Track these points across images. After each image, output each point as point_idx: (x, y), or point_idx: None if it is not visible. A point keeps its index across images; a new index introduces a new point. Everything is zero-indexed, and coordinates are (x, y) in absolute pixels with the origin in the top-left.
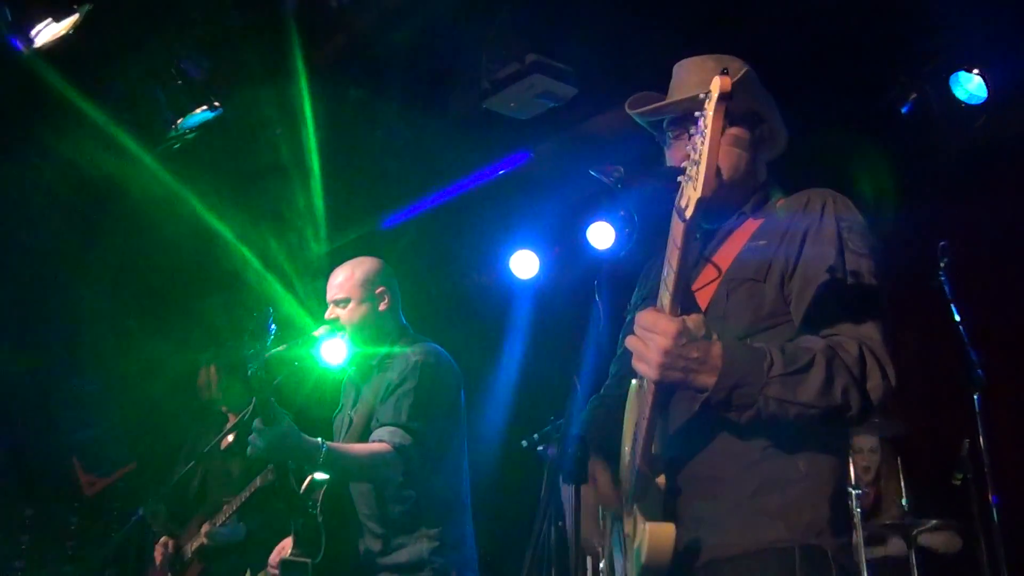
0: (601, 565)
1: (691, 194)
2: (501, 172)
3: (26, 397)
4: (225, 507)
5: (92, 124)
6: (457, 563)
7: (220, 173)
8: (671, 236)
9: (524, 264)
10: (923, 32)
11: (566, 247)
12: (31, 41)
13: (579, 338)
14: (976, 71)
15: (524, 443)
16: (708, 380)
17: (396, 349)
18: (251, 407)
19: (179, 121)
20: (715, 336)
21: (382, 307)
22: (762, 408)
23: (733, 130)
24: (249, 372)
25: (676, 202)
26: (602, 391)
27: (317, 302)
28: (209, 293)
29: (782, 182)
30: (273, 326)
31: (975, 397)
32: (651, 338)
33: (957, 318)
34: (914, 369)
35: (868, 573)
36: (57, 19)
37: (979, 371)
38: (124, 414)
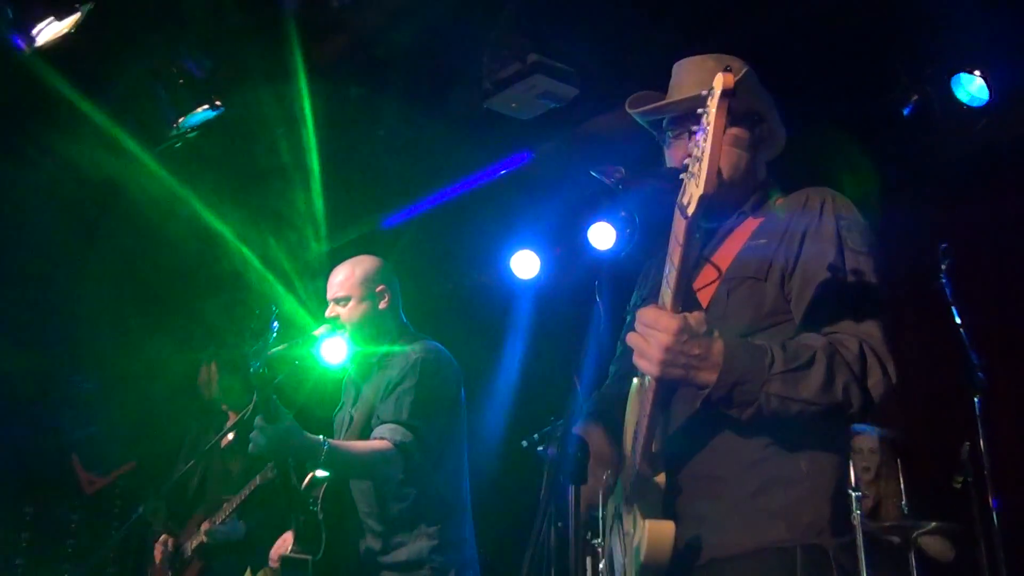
0: (601, 565)
1: (693, 191)
2: (502, 172)
3: (27, 395)
4: (225, 505)
5: (93, 123)
6: (457, 562)
7: (220, 173)
8: (673, 233)
9: (525, 264)
10: (925, 34)
11: (567, 247)
12: (32, 40)
13: (579, 338)
14: (978, 73)
15: (524, 443)
16: (709, 377)
17: (396, 347)
18: (252, 405)
19: (180, 120)
20: (716, 333)
21: (382, 305)
22: (763, 405)
23: (733, 130)
24: (251, 370)
25: (678, 199)
26: (602, 390)
27: (317, 302)
28: (209, 292)
29: (782, 182)
30: (276, 324)
31: (976, 400)
32: (652, 335)
33: (958, 321)
34: (915, 371)
35: (867, 574)
36: (59, 18)
37: (980, 374)
38: (124, 413)
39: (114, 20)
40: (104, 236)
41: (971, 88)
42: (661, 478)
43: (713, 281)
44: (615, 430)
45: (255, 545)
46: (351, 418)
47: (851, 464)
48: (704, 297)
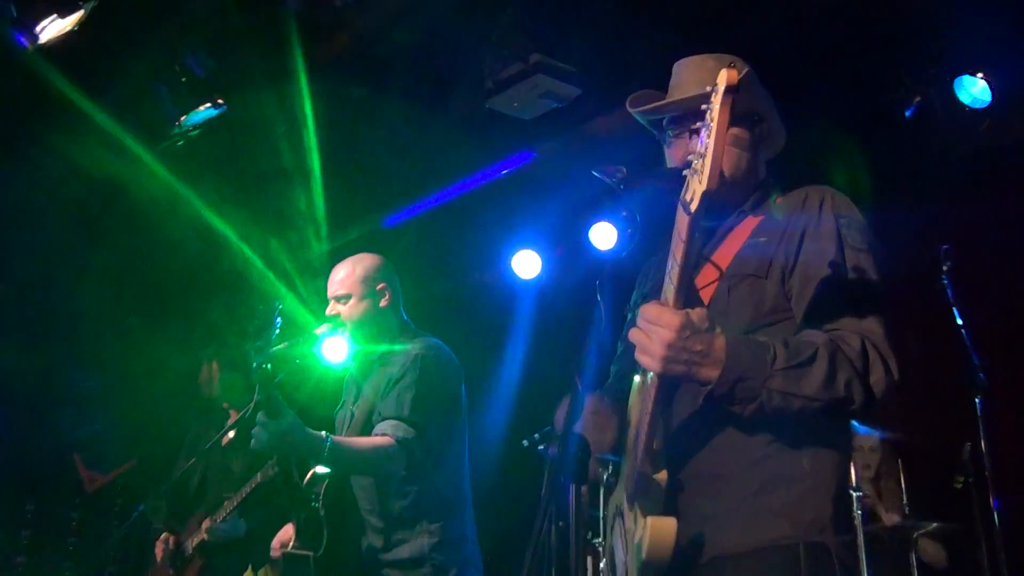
0: (602, 564)
1: (696, 187)
2: (504, 172)
3: (28, 394)
4: (226, 503)
5: (95, 122)
6: (458, 560)
7: (222, 172)
8: (675, 230)
9: (526, 264)
10: (927, 35)
11: (568, 247)
12: (36, 38)
13: (581, 338)
14: (980, 75)
15: (525, 443)
16: (711, 373)
17: (397, 345)
18: (253, 403)
19: (182, 119)
20: (719, 329)
21: (383, 303)
22: (765, 401)
23: (734, 130)
24: (253, 366)
25: (681, 195)
26: (603, 389)
27: (319, 301)
28: (211, 292)
29: (783, 181)
30: (279, 320)
31: (977, 400)
32: (655, 331)
33: (959, 322)
34: (916, 372)
35: (868, 573)
36: (62, 16)
37: (981, 375)
38: (125, 411)
39: (117, 18)
40: (105, 235)
41: (973, 90)
42: (663, 476)
43: (714, 279)
44: (610, 400)
45: (256, 543)
46: (352, 415)
47: (851, 463)
48: (705, 295)
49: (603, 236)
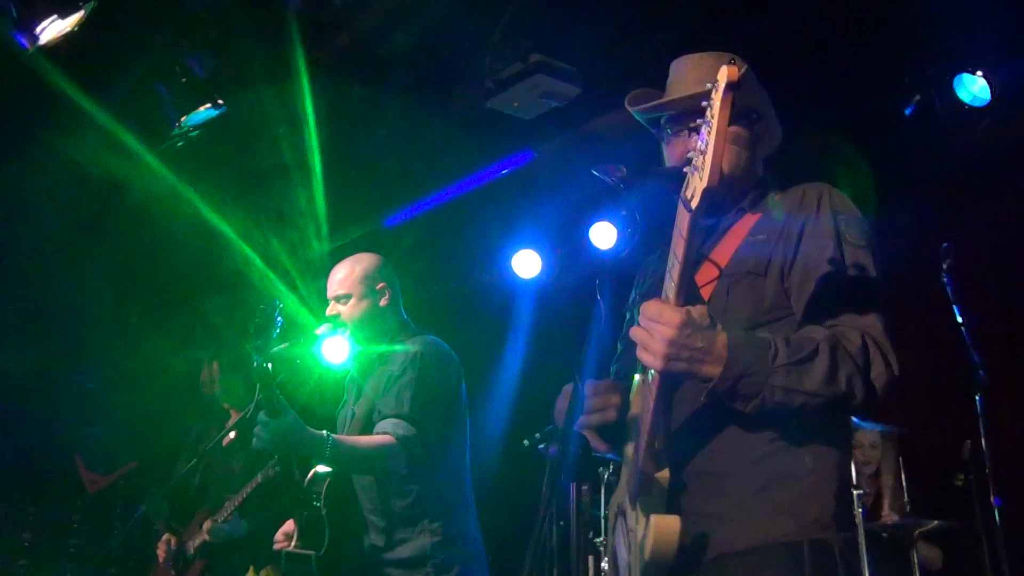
0: (603, 564)
1: (697, 184)
2: (504, 172)
3: (29, 395)
4: (227, 503)
5: (96, 122)
6: (461, 558)
7: (223, 172)
8: (676, 227)
9: (526, 264)
10: (927, 34)
11: (568, 247)
12: (36, 38)
13: (581, 338)
14: (980, 73)
15: (526, 443)
16: (713, 370)
17: (398, 344)
18: (254, 403)
19: (183, 119)
20: (720, 327)
21: (383, 303)
22: (767, 397)
23: (733, 128)
24: (254, 366)
25: (682, 193)
26: None
27: (319, 301)
28: (212, 292)
29: (779, 178)
30: (279, 319)
31: (977, 398)
32: (656, 328)
33: (959, 320)
34: (916, 370)
35: (869, 570)
36: (62, 16)
37: (981, 372)
38: (127, 412)
39: (117, 19)
40: (106, 235)
41: (973, 88)
42: (665, 475)
43: (713, 278)
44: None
45: (258, 543)
46: (353, 415)
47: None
48: (705, 293)
49: (603, 235)
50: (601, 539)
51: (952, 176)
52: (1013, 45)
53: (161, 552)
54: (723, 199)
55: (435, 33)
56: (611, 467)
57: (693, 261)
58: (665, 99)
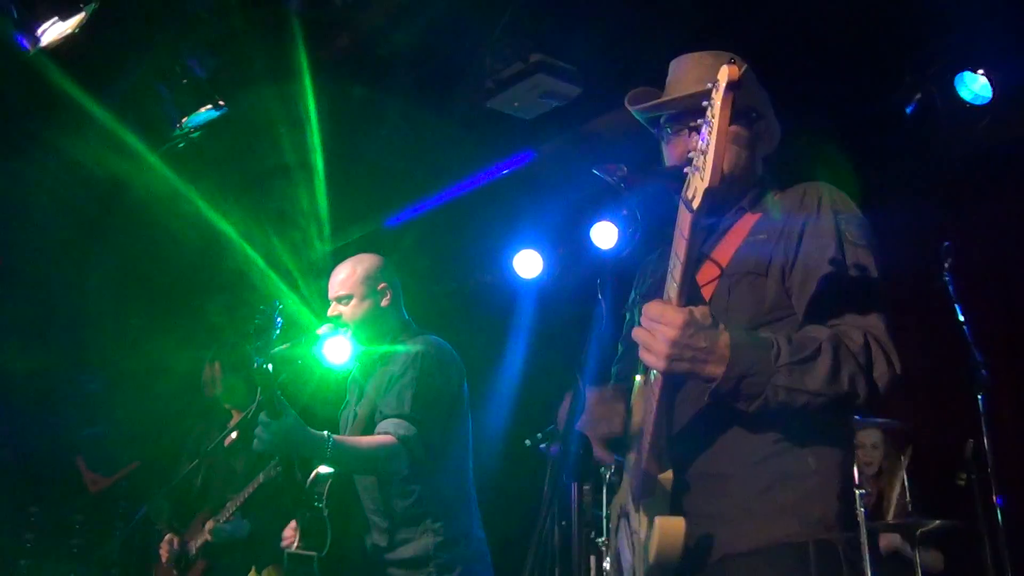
0: (605, 564)
1: (698, 184)
2: (505, 171)
3: (31, 395)
4: (229, 504)
5: (97, 123)
6: (463, 558)
7: (224, 172)
8: (678, 227)
9: (528, 263)
10: (928, 33)
11: (570, 247)
12: (37, 40)
13: (582, 337)
14: (981, 71)
15: (527, 442)
16: (716, 370)
17: (399, 344)
18: (256, 403)
19: (184, 120)
20: (722, 327)
21: (384, 303)
22: (770, 397)
23: (733, 127)
24: (254, 367)
25: (683, 193)
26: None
27: (321, 301)
28: (213, 292)
29: (777, 177)
30: (280, 319)
31: (979, 397)
32: (658, 329)
33: (961, 318)
34: (918, 369)
35: (871, 570)
36: (63, 18)
37: (983, 371)
38: (128, 412)
39: (118, 20)
40: (108, 235)
41: (974, 87)
42: (668, 476)
43: (714, 277)
44: (614, 391)
45: (259, 543)
46: (355, 415)
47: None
48: (706, 293)
49: (604, 235)
50: (603, 539)
51: (953, 175)
52: (1014, 43)
53: (163, 552)
54: (723, 198)
55: (436, 33)
56: (612, 467)
57: (695, 261)
58: (665, 98)
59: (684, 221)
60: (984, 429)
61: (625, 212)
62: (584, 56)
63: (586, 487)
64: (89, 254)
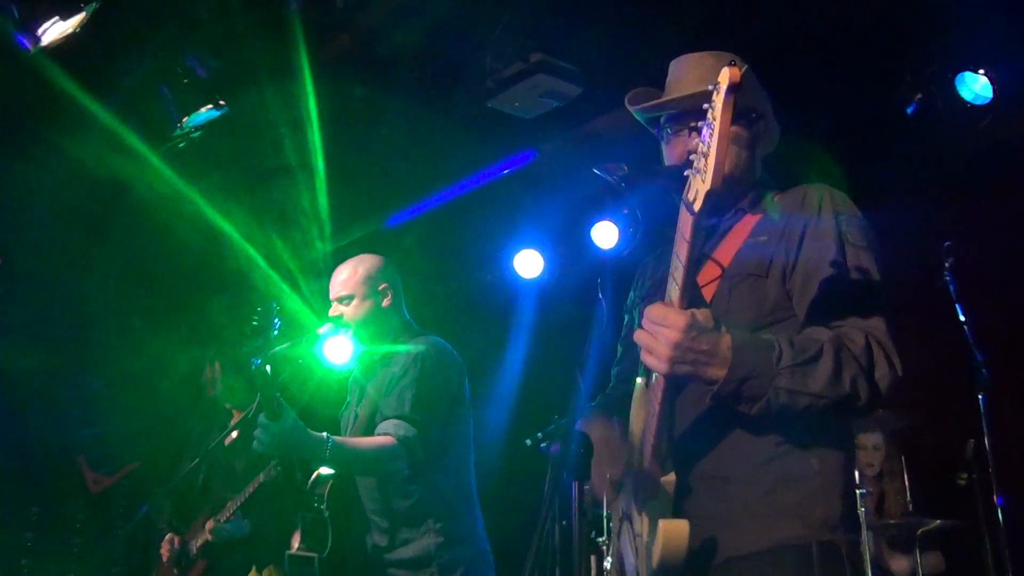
0: (605, 564)
1: (699, 186)
2: (505, 171)
3: (32, 395)
4: (229, 503)
5: (98, 122)
6: (465, 559)
7: (225, 172)
8: (679, 230)
9: (528, 263)
10: (929, 33)
11: (570, 246)
12: (38, 39)
13: (583, 337)
14: (982, 71)
15: (528, 442)
16: (718, 372)
17: (400, 344)
18: (256, 403)
19: (184, 120)
20: (724, 329)
21: (385, 303)
22: (772, 400)
23: (733, 128)
24: (253, 368)
25: (684, 195)
26: (606, 393)
27: (322, 301)
28: (214, 291)
29: (776, 178)
30: (277, 321)
31: (980, 397)
32: (660, 331)
33: (962, 318)
34: (919, 369)
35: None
36: (64, 17)
37: (984, 371)
38: (129, 412)
39: (119, 20)
40: (109, 235)
41: (975, 87)
42: (671, 478)
43: (715, 278)
44: (620, 427)
45: (260, 543)
46: (356, 416)
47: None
48: (706, 294)
49: (605, 235)
50: (603, 539)
51: (954, 174)
52: (1015, 43)
53: (164, 552)
54: (723, 199)
55: (436, 33)
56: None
57: (696, 263)
58: (665, 98)
59: (685, 223)
60: (985, 429)
61: (626, 211)
62: (585, 56)
63: (587, 486)
64: (90, 254)
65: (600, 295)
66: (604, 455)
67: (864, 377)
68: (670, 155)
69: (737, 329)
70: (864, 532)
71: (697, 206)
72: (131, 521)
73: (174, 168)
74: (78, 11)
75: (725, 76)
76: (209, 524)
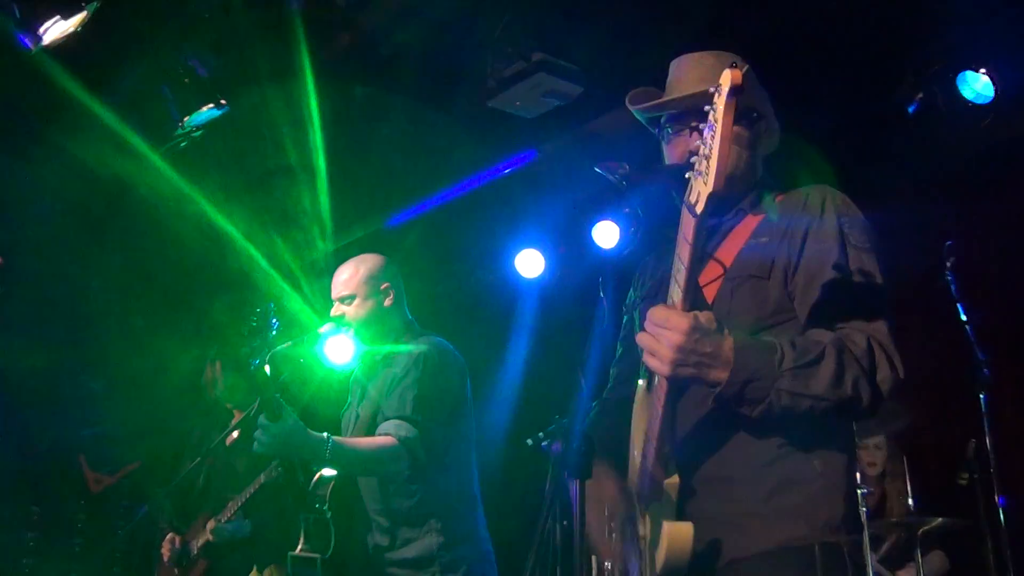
0: (606, 564)
1: (702, 189)
2: (507, 171)
3: (33, 395)
4: (230, 503)
5: (99, 122)
6: (468, 559)
7: (227, 172)
8: (681, 231)
9: (529, 263)
10: (930, 32)
11: (571, 246)
12: (39, 39)
13: (584, 337)
14: (983, 70)
15: (530, 442)
16: (720, 375)
17: (402, 344)
18: (257, 403)
19: (186, 119)
20: (726, 331)
21: (387, 303)
22: (774, 402)
23: (735, 128)
24: (252, 368)
25: (685, 197)
26: (605, 396)
27: (323, 301)
28: (216, 291)
29: (777, 178)
30: (275, 321)
31: (981, 397)
32: (663, 334)
33: (963, 318)
34: (920, 369)
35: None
36: (65, 17)
37: (985, 371)
38: (130, 412)
39: (120, 19)
40: (110, 235)
41: (976, 86)
42: (674, 481)
43: (716, 279)
44: (619, 447)
45: (261, 543)
46: (357, 416)
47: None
48: (708, 295)
49: (606, 234)
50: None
51: (956, 174)
52: (1017, 42)
53: (165, 552)
54: (724, 199)
55: (438, 32)
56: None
57: (699, 265)
58: (666, 98)
59: (688, 225)
60: (986, 428)
61: (627, 210)
62: (586, 55)
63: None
64: (91, 253)
65: (601, 294)
66: (594, 498)
67: (866, 379)
68: (671, 155)
69: (739, 331)
70: (865, 532)
71: (699, 208)
72: (132, 521)
73: (175, 168)
74: (79, 10)
75: (727, 78)
76: (210, 524)
